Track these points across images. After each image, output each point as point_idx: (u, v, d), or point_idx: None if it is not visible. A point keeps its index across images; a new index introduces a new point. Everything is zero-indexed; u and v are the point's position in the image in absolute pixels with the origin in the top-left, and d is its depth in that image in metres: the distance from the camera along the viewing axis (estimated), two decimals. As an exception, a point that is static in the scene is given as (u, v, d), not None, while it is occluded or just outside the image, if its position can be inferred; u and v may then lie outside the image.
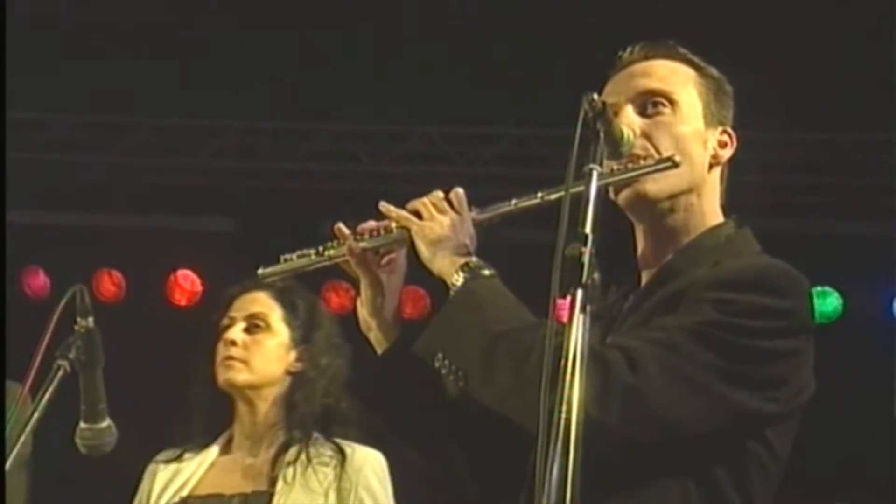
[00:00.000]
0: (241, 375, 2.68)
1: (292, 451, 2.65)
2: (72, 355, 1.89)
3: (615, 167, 1.76)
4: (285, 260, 1.91)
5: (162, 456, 2.75)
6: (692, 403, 1.65)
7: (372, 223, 1.86)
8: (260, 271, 1.92)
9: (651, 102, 1.83)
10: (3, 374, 1.89)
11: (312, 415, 2.67)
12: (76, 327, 1.91)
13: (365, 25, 5.54)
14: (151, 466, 2.73)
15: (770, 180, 5.55)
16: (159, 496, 2.66)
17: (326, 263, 1.88)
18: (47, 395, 1.85)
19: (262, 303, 2.75)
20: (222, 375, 2.70)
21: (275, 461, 2.65)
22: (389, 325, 1.89)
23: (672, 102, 1.83)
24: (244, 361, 2.68)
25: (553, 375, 1.45)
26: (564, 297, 1.50)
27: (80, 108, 5.75)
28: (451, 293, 1.77)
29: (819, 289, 5.56)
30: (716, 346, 1.66)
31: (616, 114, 1.79)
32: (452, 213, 1.82)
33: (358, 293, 1.91)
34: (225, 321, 2.74)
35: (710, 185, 1.86)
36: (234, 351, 2.68)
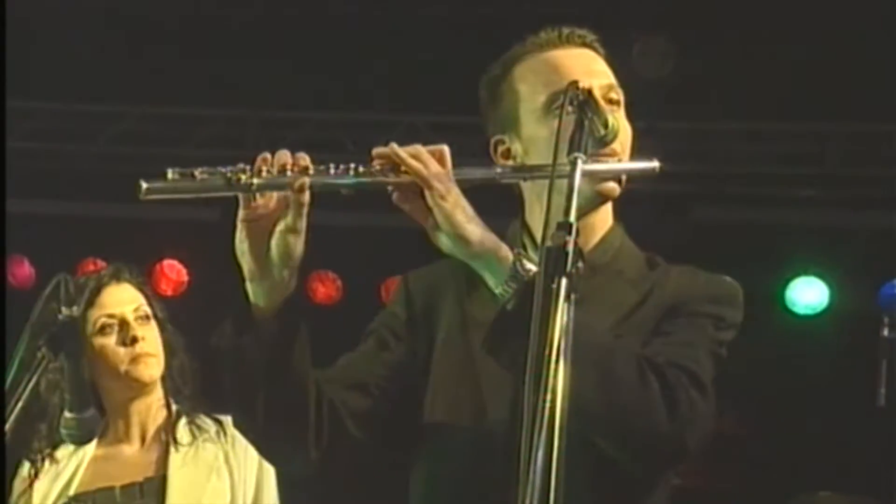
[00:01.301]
0: (156, 370, 2.65)
1: (180, 432, 2.62)
2: (56, 344, 1.88)
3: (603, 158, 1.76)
4: (181, 175, 1.63)
5: (34, 456, 2.62)
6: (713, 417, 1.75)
7: (305, 158, 1.70)
8: (144, 185, 1.63)
9: (609, 96, 1.83)
10: (3, 372, 1.88)
11: (194, 395, 2.66)
12: (60, 316, 1.90)
13: (352, 14, 5.52)
14: (23, 469, 2.63)
15: (756, 170, 5.56)
16: (44, 499, 2.59)
17: (235, 193, 1.64)
18: (31, 385, 1.85)
19: (133, 294, 2.68)
20: (137, 372, 2.62)
21: (163, 445, 2.63)
22: (293, 275, 1.69)
23: (619, 102, 1.85)
24: (155, 356, 2.65)
25: (538, 363, 1.46)
26: (550, 285, 1.50)
27: (64, 96, 5.72)
28: (504, 295, 1.65)
29: (805, 279, 5.58)
30: (715, 360, 1.77)
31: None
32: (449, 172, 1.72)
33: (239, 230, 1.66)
34: (103, 319, 2.62)
35: None
36: (146, 346, 2.63)
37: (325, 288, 5.87)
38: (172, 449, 2.61)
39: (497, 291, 1.67)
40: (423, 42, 5.42)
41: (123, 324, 2.63)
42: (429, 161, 1.73)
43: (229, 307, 1.74)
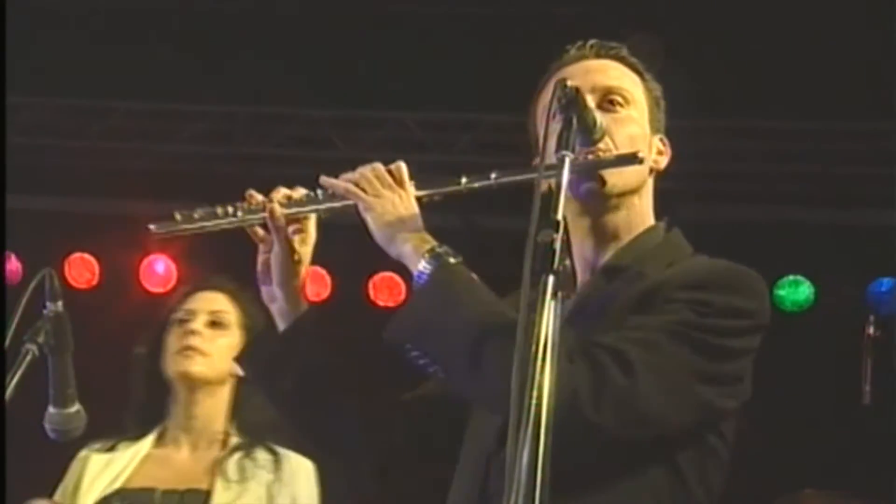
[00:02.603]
0: (198, 367, 2.68)
1: (236, 455, 2.64)
2: (41, 339, 1.88)
3: (580, 157, 1.76)
4: (183, 216, 1.84)
5: (96, 444, 2.72)
6: (675, 402, 1.69)
7: (286, 190, 1.84)
8: (153, 227, 1.83)
9: (609, 98, 1.86)
10: (3, 369, 1.87)
11: (267, 423, 2.65)
12: (45, 311, 1.89)
13: (341, 11, 5.51)
14: (83, 453, 2.71)
15: (742, 169, 5.58)
16: (91, 484, 2.64)
17: (234, 226, 1.82)
18: (16, 380, 1.84)
19: (222, 302, 2.76)
20: (178, 365, 2.69)
21: (215, 461, 2.64)
22: (296, 298, 1.86)
23: (627, 101, 1.87)
24: (204, 354, 2.68)
25: (524, 360, 1.46)
26: (536, 283, 1.50)
27: (52, 91, 5.70)
28: (420, 282, 1.74)
29: (791, 277, 5.60)
30: (690, 345, 1.70)
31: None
32: (399, 190, 1.80)
33: (257, 262, 1.86)
34: (181, 314, 2.73)
35: (647, 189, 1.91)
36: (196, 341, 2.68)
37: (314, 284, 5.87)
38: (224, 468, 2.62)
39: (414, 274, 1.74)
40: (412, 39, 5.42)
41: (190, 319, 2.70)
42: (364, 179, 1.80)
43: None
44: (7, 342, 1.83)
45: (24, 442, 2.21)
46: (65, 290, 1.95)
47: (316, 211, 1.83)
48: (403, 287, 5.57)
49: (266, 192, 1.84)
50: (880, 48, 4.69)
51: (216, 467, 2.64)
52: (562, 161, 1.61)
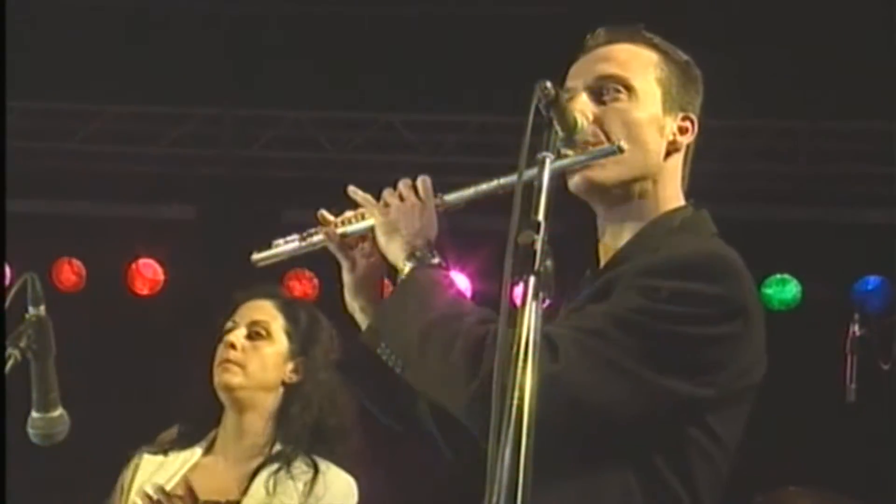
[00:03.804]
0: (236, 378, 2.69)
1: (273, 465, 2.64)
2: (22, 344, 1.87)
3: (566, 154, 1.76)
4: (275, 245, 1.94)
5: (147, 447, 2.75)
6: (615, 389, 1.65)
7: (351, 212, 1.90)
8: (254, 256, 1.95)
9: (607, 88, 1.83)
10: (3, 370, 1.86)
11: (306, 430, 2.67)
12: (27, 316, 1.89)
13: (328, 12, 5.51)
14: (136, 455, 2.74)
15: (730, 168, 5.59)
16: (141, 486, 2.66)
17: (313, 248, 1.92)
18: (-2, 384, 1.84)
19: (266, 311, 2.77)
20: (219, 377, 2.71)
21: (255, 472, 2.65)
22: (373, 307, 1.89)
23: (628, 88, 1.83)
24: (241, 365, 2.69)
25: (505, 362, 1.46)
26: (517, 283, 1.51)
27: (39, 95, 5.69)
28: (398, 281, 1.79)
29: (778, 276, 5.62)
30: (640, 332, 1.66)
31: (571, 99, 1.79)
32: (413, 200, 1.83)
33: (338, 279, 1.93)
34: (228, 325, 2.75)
35: (667, 172, 1.85)
36: (233, 354, 2.70)
37: (302, 286, 5.87)
38: (259, 478, 2.63)
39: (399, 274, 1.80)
40: (400, 40, 5.42)
41: (232, 330, 2.73)
42: (389, 194, 1.86)
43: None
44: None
45: (7, 447, 2.20)
46: (52, 293, 1.95)
47: (360, 230, 1.90)
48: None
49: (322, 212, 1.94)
50: (875, 47, 4.71)
51: (249, 479, 2.64)
52: (542, 162, 1.62)
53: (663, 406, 1.68)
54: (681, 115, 1.86)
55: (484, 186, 1.84)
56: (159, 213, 5.93)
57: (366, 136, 5.82)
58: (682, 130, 1.87)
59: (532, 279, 1.51)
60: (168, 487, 2.64)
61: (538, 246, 1.52)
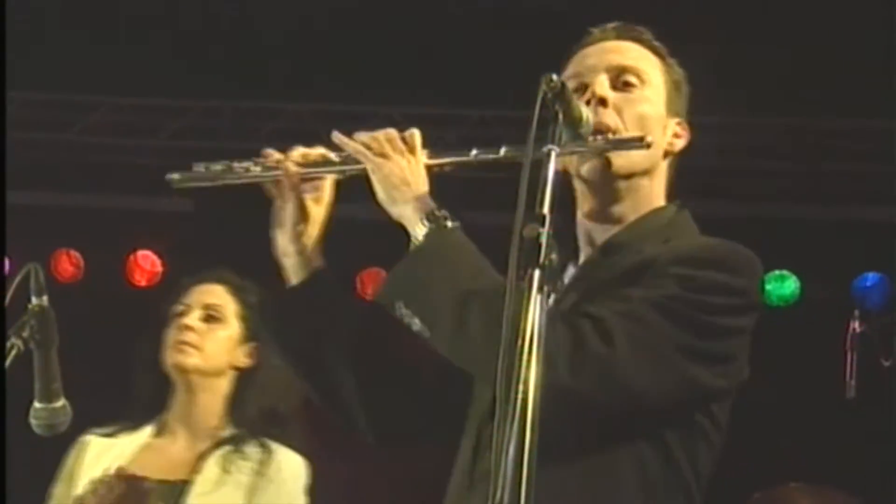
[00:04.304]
0: (192, 359, 2.69)
1: (225, 448, 2.65)
2: (25, 334, 1.87)
3: (590, 138, 1.77)
4: (206, 168, 1.87)
5: (97, 429, 2.76)
6: (657, 375, 1.68)
7: (303, 149, 1.87)
8: (175, 177, 1.86)
9: (623, 78, 1.86)
10: (3, 368, 1.86)
11: (260, 413, 2.68)
12: (30, 306, 1.89)
13: (328, 6, 5.50)
14: (84, 437, 2.74)
15: (729, 164, 5.59)
16: (90, 467, 2.67)
17: (247, 180, 1.86)
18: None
19: (218, 295, 2.78)
20: (173, 358, 2.71)
21: (207, 452, 2.66)
22: (310, 255, 1.87)
23: (643, 81, 1.86)
24: (197, 347, 2.70)
25: (510, 353, 1.46)
26: (522, 277, 1.51)
27: (37, 85, 5.67)
28: (416, 242, 1.76)
29: (777, 272, 5.62)
30: (677, 320, 1.70)
31: (588, 85, 1.82)
32: (409, 155, 1.82)
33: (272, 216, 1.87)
34: (179, 307, 2.76)
35: (660, 172, 1.90)
36: (189, 336, 2.70)
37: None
38: (208, 460, 2.63)
39: (412, 237, 1.76)
40: (400, 33, 5.41)
41: (185, 313, 2.73)
42: (376, 142, 1.83)
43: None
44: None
45: (10, 437, 2.20)
46: (50, 285, 1.95)
47: (330, 172, 1.85)
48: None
49: (283, 150, 1.87)
50: (875, 46, 4.71)
51: (201, 459, 2.64)
52: (548, 155, 1.62)
53: (685, 392, 1.72)
54: (677, 119, 1.92)
55: (484, 154, 1.88)
56: (158, 206, 5.91)
57: (365, 129, 5.79)
58: (676, 135, 1.92)
59: (537, 272, 1.51)
60: (113, 469, 2.64)
61: (543, 239, 1.53)
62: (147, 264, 5.96)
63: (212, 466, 2.64)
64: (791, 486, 3.76)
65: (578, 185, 1.88)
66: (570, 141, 1.74)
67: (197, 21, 5.51)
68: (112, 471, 2.64)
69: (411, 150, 1.83)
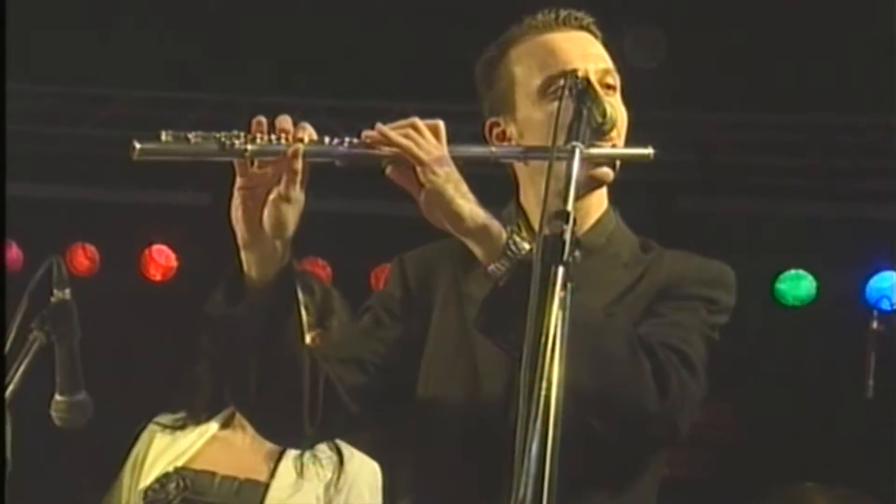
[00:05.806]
0: None
1: (284, 468, 2.61)
2: (47, 327, 1.87)
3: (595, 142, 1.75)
4: (175, 138, 1.64)
5: (161, 419, 2.73)
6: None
7: (305, 129, 1.67)
8: (138, 145, 1.61)
9: (606, 80, 1.83)
10: (3, 369, 1.86)
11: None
12: (52, 299, 1.89)
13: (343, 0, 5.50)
14: (150, 428, 2.72)
15: (744, 162, 5.57)
16: (155, 460, 2.65)
17: (230, 158, 1.63)
18: (23, 367, 1.84)
19: None
20: None
21: (275, 453, 2.62)
22: (286, 247, 1.69)
23: (616, 85, 1.85)
24: None
25: (535, 352, 1.45)
26: (546, 273, 1.50)
27: (52, 79, 5.69)
28: (497, 274, 1.64)
29: (793, 272, 5.60)
30: (707, 344, 1.78)
31: (571, 71, 1.77)
32: (444, 147, 1.71)
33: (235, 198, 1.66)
34: None
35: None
36: None
37: (315, 275, 5.87)
38: (285, 462, 2.60)
39: (490, 269, 1.66)
40: (413, 28, 5.40)
41: None
42: (420, 136, 1.72)
43: (222, 276, 1.74)
44: (14, 330, 1.82)
45: (31, 430, 2.21)
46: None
47: (340, 157, 1.69)
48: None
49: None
50: (883, 41, 4.68)
51: (275, 460, 2.61)
52: (572, 152, 1.61)
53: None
54: None
55: (503, 152, 1.84)
56: (173, 200, 5.92)
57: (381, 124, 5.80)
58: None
59: (561, 269, 1.50)
60: (182, 461, 2.62)
61: (567, 236, 1.52)
62: (162, 258, 5.97)
63: (288, 469, 2.60)
64: (807, 485, 3.75)
65: (521, 171, 1.84)
66: (593, 137, 1.73)
67: (211, 16, 5.50)
68: (179, 463, 2.62)
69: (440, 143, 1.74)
